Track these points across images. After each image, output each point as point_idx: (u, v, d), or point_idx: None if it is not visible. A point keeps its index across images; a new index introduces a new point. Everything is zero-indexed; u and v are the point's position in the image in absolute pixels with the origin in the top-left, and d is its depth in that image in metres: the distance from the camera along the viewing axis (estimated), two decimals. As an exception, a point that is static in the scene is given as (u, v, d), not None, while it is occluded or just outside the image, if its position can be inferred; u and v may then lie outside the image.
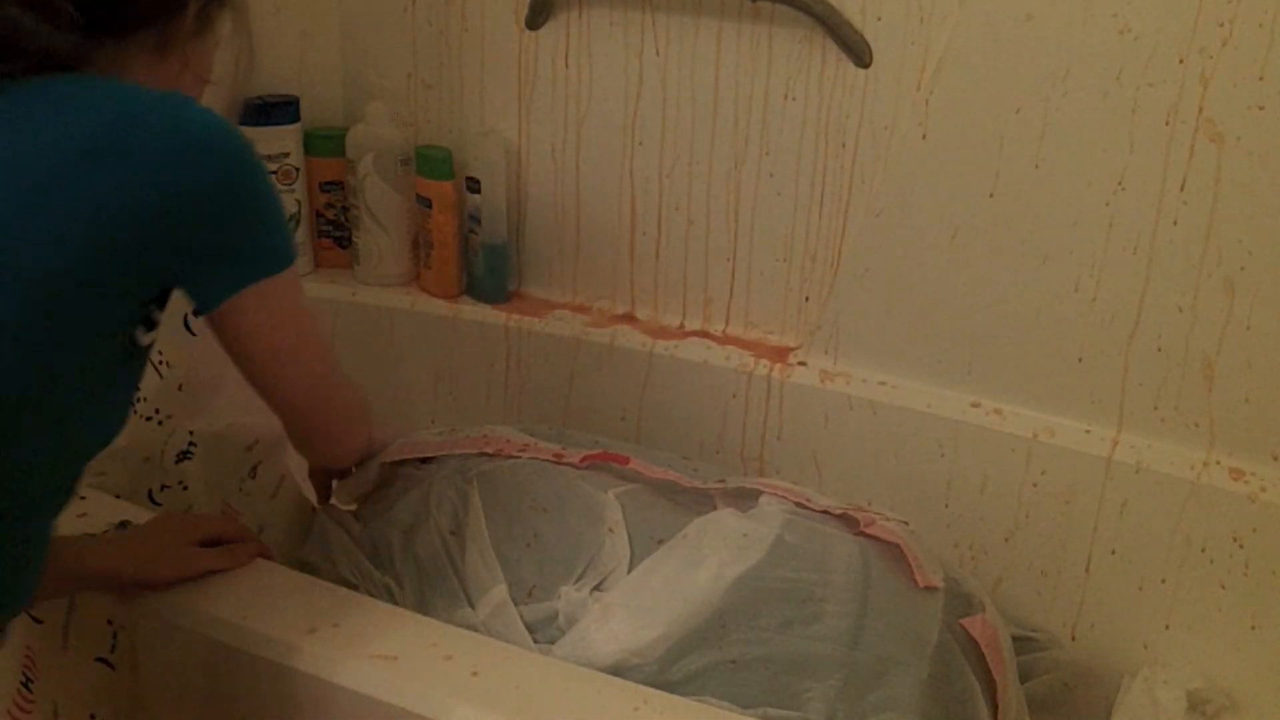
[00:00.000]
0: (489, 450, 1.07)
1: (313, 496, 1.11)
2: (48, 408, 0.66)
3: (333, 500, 1.11)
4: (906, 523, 1.04)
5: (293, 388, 0.82)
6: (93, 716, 0.89)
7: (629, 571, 0.94)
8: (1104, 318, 1.17)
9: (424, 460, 1.07)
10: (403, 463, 1.07)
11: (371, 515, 1.02)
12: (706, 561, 0.92)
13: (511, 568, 0.94)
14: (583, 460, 1.08)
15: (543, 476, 1.04)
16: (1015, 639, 1.15)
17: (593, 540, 0.96)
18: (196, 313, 0.73)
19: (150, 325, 0.71)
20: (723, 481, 1.07)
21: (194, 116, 0.66)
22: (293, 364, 0.80)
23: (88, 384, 0.68)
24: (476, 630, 0.89)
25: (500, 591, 0.92)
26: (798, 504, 1.02)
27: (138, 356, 0.72)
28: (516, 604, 0.92)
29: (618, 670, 0.85)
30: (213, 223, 0.68)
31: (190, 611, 0.83)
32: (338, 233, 1.57)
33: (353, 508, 1.08)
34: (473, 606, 0.93)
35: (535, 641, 0.90)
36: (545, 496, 1.00)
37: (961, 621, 0.95)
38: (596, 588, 0.93)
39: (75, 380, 0.66)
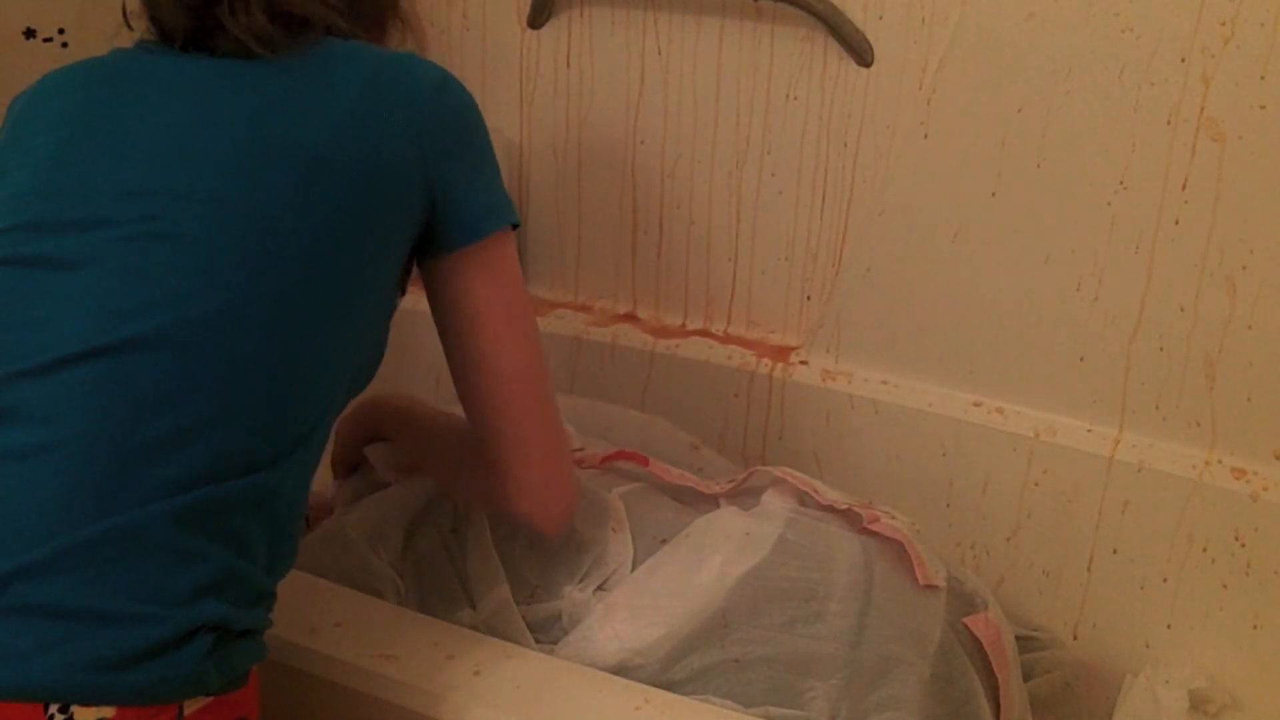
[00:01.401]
0: None
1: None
2: (344, 323, 0.73)
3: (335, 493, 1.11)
4: (913, 523, 1.04)
5: (514, 358, 0.81)
6: None
7: (632, 571, 0.94)
8: (1106, 317, 1.17)
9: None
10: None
11: (372, 513, 1.02)
12: (709, 561, 0.92)
13: (513, 567, 0.94)
14: (602, 461, 1.08)
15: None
16: (1017, 638, 1.15)
17: (596, 540, 0.96)
18: (458, 244, 0.79)
19: (402, 291, 0.82)
20: (733, 482, 1.07)
21: (439, 68, 0.79)
22: (520, 326, 0.81)
23: (373, 311, 0.77)
24: (478, 630, 0.89)
25: (502, 591, 0.92)
26: (805, 495, 1.02)
27: (391, 315, 0.81)
28: (519, 604, 0.92)
29: (621, 670, 0.85)
30: (470, 146, 0.79)
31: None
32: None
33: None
34: (474, 606, 0.93)
35: (538, 641, 0.90)
36: None
37: (965, 620, 0.95)
38: (600, 588, 0.93)
39: (367, 301, 0.75)
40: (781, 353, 1.37)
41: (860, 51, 1.21)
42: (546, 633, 0.91)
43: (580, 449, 1.11)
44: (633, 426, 1.21)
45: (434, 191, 0.76)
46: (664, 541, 0.96)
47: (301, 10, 0.76)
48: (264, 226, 0.68)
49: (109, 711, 0.58)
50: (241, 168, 0.69)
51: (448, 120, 0.77)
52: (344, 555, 0.97)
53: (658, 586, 0.91)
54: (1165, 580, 1.18)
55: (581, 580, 0.93)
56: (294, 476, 0.71)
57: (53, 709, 0.57)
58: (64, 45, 1.11)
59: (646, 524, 0.98)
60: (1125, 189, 1.12)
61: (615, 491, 1.02)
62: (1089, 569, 1.22)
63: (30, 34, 1.11)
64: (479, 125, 0.80)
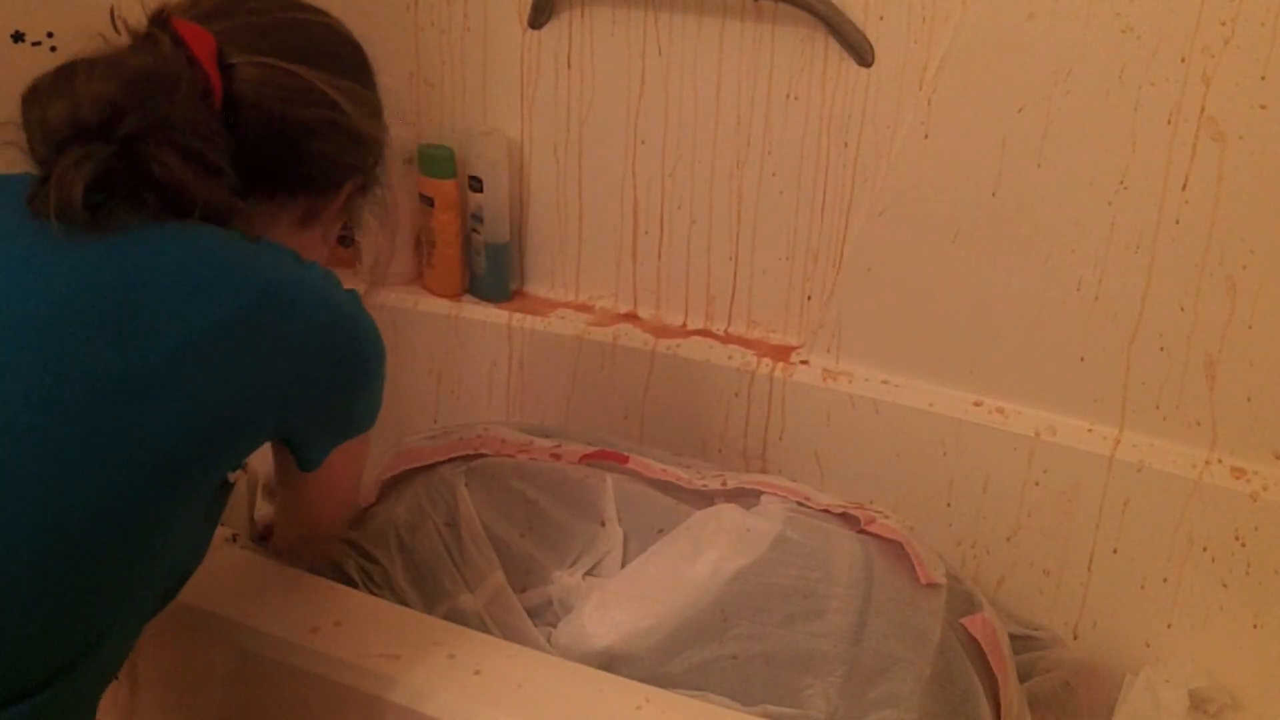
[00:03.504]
0: (486, 452, 1.08)
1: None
2: (150, 551, 0.66)
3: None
4: (910, 525, 1.04)
5: (323, 520, 0.89)
6: None
7: (624, 559, 0.95)
8: (1106, 316, 1.17)
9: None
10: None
11: (369, 517, 1.03)
12: (705, 554, 0.93)
13: (506, 556, 0.95)
14: (581, 459, 1.08)
15: (536, 470, 1.05)
16: (1018, 637, 1.15)
17: (586, 529, 0.97)
18: (300, 469, 0.79)
19: (242, 465, 0.74)
20: (720, 475, 1.08)
21: (339, 299, 0.73)
22: (337, 505, 0.88)
23: (186, 525, 0.70)
24: (478, 616, 0.89)
25: (498, 578, 0.93)
26: (798, 503, 1.02)
27: (225, 492, 0.75)
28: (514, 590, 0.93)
29: (613, 657, 0.85)
30: (337, 395, 0.75)
31: (191, 612, 0.83)
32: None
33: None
34: (472, 593, 0.93)
35: (535, 625, 0.91)
36: (538, 489, 1.01)
37: (962, 620, 0.95)
38: (589, 573, 0.94)
39: (179, 523, 0.68)
40: (782, 352, 1.37)
41: (860, 51, 1.22)
42: (540, 617, 0.92)
43: (557, 446, 1.11)
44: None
45: (292, 426, 0.73)
46: (662, 532, 0.97)
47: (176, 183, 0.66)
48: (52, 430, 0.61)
49: None
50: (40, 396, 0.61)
51: (322, 369, 0.72)
52: (342, 557, 0.98)
53: (652, 576, 0.92)
54: (1165, 580, 1.18)
55: (571, 566, 0.94)
56: (73, 694, 0.63)
57: None
58: (53, 49, 1.10)
59: (643, 512, 0.99)
60: (1125, 189, 1.12)
61: (610, 478, 1.02)
62: (1089, 568, 1.22)
63: (18, 37, 1.10)
64: (370, 363, 0.76)
